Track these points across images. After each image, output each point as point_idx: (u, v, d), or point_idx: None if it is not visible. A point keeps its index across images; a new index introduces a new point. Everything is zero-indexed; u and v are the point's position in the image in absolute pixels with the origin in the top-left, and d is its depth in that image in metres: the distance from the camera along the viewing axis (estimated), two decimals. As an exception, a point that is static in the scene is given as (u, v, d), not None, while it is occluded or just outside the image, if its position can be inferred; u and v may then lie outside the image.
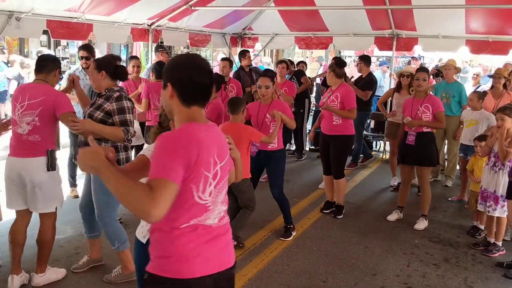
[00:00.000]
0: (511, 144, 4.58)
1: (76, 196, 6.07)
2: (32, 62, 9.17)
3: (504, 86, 6.48)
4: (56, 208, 3.86)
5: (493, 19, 7.47)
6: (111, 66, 3.80)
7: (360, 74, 7.95)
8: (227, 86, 6.98)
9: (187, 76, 1.94)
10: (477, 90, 7.29)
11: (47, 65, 3.77)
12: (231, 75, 7.67)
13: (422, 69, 5.87)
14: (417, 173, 5.78)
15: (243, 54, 8.37)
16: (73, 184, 6.18)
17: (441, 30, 8.11)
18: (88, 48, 5.92)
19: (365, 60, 7.84)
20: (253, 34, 9.99)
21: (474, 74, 8.48)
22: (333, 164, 5.71)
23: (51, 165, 3.69)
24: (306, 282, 4.17)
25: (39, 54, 4.94)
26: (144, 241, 2.72)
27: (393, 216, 5.76)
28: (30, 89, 3.70)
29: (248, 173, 4.63)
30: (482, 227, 5.34)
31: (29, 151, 3.64)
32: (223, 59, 7.52)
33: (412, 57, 13.05)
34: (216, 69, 10.15)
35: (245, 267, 4.33)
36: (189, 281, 1.91)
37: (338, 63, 5.67)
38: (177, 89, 1.94)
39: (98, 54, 6.69)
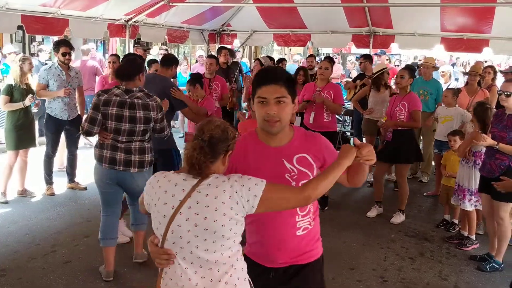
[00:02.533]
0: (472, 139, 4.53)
1: (52, 194, 5.99)
2: None
3: (479, 83, 6.62)
4: None
5: (467, 17, 7.60)
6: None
7: (362, 72, 8.10)
8: (212, 84, 6.80)
9: None
10: (449, 87, 7.41)
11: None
12: None
13: (405, 67, 6.00)
14: (395, 169, 5.87)
15: (219, 51, 8.25)
16: (49, 182, 6.09)
17: (417, 28, 8.22)
18: (69, 44, 5.91)
19: (369, 59, 7.91)
20: (231, 30, 9.96)
21: (441, 72, 8.50)
22: None
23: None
24: (285, 277, 4.20)
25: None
26: None
27: (372, 212, 5.83)
28: None
29: None
30: (456, 221, 5.45)
31: None
32: (210, 56, 7.33)
33: (375, 54, 12.49)
34: (198, 65, 10.09)
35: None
36: None
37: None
38: None
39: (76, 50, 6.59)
